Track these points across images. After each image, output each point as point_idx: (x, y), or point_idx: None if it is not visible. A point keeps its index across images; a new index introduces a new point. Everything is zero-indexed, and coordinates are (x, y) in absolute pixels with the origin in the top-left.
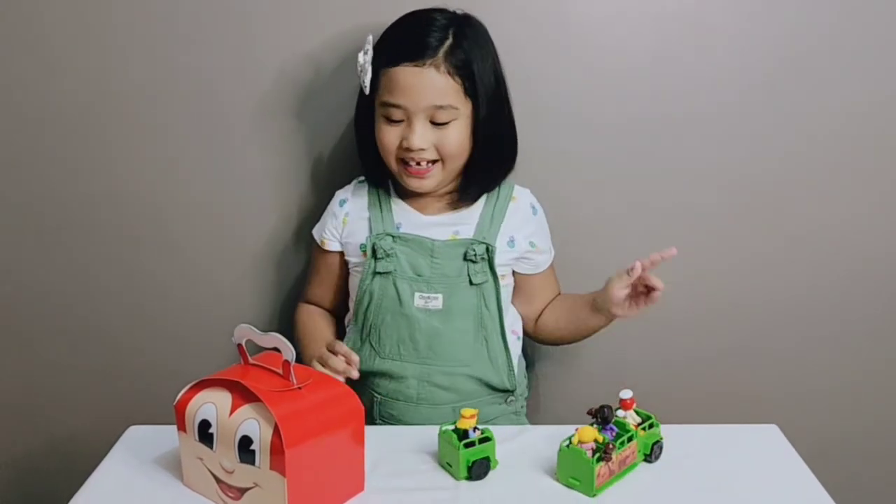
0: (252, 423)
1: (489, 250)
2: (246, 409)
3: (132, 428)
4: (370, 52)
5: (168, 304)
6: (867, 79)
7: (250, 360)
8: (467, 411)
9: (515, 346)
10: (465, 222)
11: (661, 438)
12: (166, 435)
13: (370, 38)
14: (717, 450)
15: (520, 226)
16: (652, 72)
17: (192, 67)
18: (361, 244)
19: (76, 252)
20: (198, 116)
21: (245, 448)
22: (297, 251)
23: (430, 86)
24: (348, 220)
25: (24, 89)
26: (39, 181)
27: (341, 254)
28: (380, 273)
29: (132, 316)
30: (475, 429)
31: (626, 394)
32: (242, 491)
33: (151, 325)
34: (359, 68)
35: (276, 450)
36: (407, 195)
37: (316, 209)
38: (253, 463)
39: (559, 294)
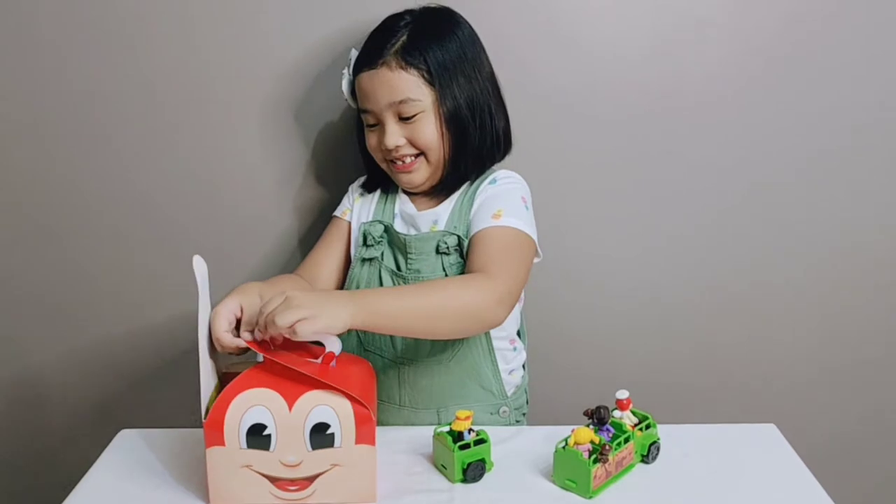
0: (324, 409)
1: (461, 241)
2: (308, 399)
3: (123, 432)
4: (351, 68)
5: (163, 306)
6: (867, 72)
7: (267, 356)
8: (462, 413)
9: (509, 355)
10: (443, 214)
11: (659, 439)
12: (157, 439)
13: (353, 52)
14: (715, 450)
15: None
16: (649, 64)
17: (197, 65)
18: (360, 226)
19: (71, 252)
20: (203, 116)
21: (320, 433)
22: (304, 254)
23: (384, 84)
24: (360, 200)
25: (25, 89)
26: (36, 181)
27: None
28: (366, 260)
29: (125, 319)
30: (470, 430)
31: (623, 394)
32: (312, 479)
33: (145, 328)
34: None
35: (363, 423)
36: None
37: (325, 211)
38: (332, 445)
39: (475, 270)
